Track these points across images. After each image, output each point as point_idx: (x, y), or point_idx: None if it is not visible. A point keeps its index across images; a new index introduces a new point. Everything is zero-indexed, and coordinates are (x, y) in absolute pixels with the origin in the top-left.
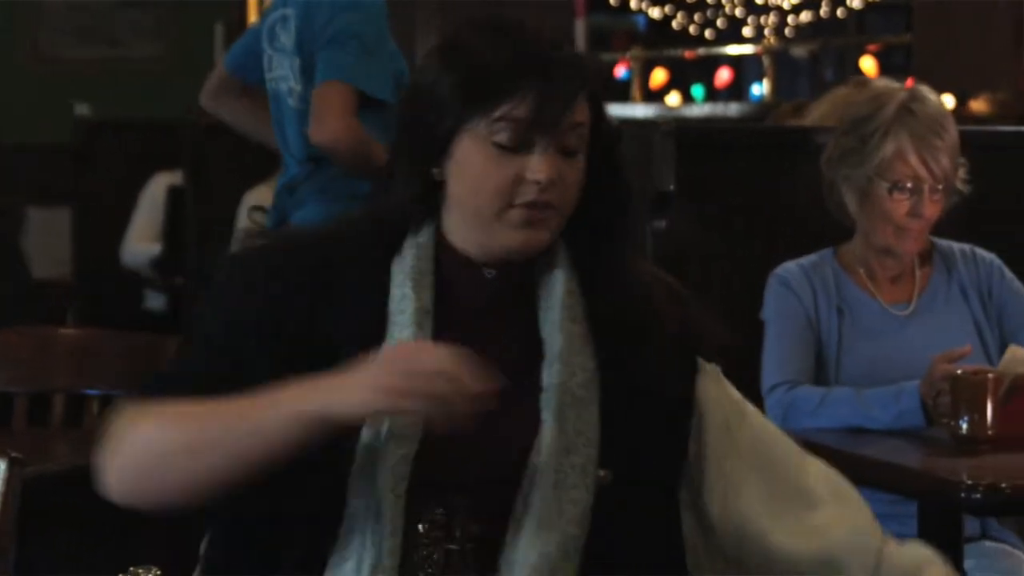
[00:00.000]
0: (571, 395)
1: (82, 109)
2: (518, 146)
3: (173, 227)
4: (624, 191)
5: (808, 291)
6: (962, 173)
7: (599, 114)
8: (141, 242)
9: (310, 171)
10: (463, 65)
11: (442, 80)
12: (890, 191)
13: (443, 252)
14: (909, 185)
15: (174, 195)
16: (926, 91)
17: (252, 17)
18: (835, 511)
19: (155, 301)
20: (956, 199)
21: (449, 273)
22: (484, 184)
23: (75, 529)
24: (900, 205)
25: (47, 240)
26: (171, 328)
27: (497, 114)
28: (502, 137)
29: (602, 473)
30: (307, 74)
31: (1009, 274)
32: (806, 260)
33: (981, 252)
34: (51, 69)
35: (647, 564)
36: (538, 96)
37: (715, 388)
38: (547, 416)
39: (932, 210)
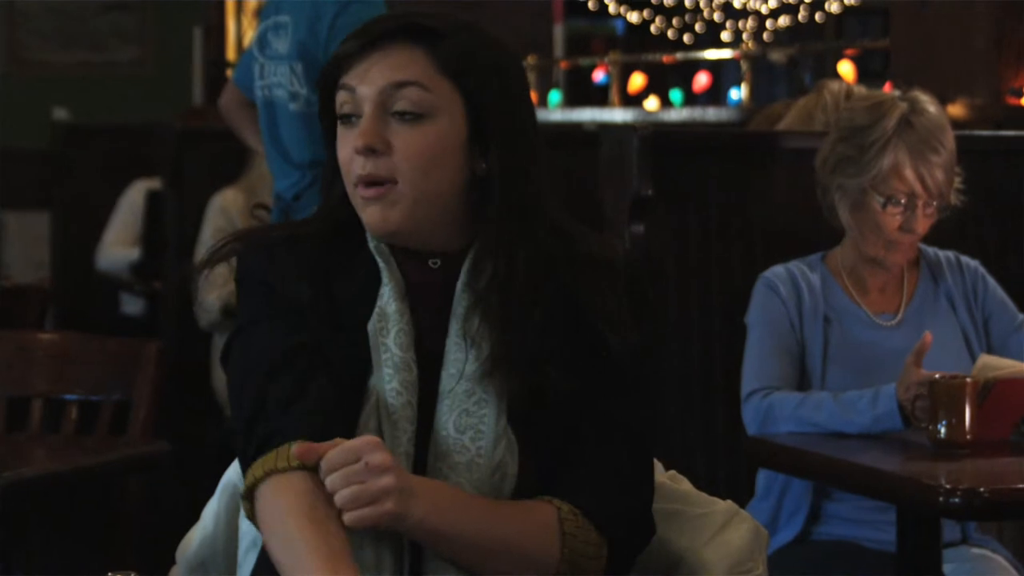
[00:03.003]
0: (454, 398)
1: (60, 114)
2: (351, 115)
3: (152, 232)
4: (512, 166)
5: (794, 297)
6: (957, 183)
7: (462, 78)
8: (118, 247)
9: (316, 176)
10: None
11: None
12: (884, 205)
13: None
14: (903, 200)
15: (153, 200)
16: (926, 101)
17: (230, 21)
18: None
19: (132, 306)
20: (947, 213)
21: (403, 262)
22: (340, 163)
23: (53, 534)
24: (893, 219)
25: (26, 245)
26: (149, 333)
27: (339, 84)
28: (341, 108)
29: None
30: (312, 76)
31: (992, 282)
32: (795, 264)
33: (965, 259)
34: (31, 73)
35: None
36: (354, 58)
37: None
38: (440, 416)
39: (924, 225)
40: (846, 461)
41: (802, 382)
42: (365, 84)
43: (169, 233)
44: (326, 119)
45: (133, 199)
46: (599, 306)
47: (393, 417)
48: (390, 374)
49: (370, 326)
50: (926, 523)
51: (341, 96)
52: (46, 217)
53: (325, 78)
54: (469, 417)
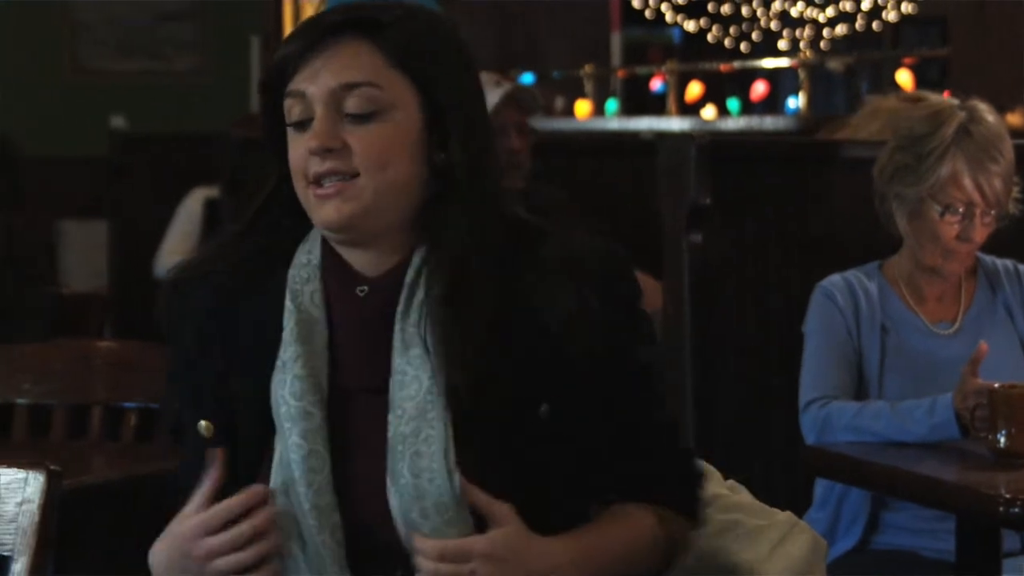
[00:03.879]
0: (405, 441)
1: (118, 122)
2: (303, 121)
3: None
4: (471, 153)
5: (851, 305)
6: (1016, 192)
7: (413, 68)
8: (176, 255)
9: None
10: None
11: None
12: (942, 214)
13: (328, 260)
14: (961, 209)
15: (211, 208)
16: (984, 110)
17: (288, 29)
18: None
19: None
20: (1005, 222)
21: (330, 287)
22: (292, 168)
23: (113, 541)
24: (950, 228)
25: (84, 253)
26: None
27: (286, 91)
28: (292, 114)
29: None
30: None
31: None
32: (852, 273)
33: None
34: (89, 82)
35: None
36: (298, 61)
37: None
38: (395, 462)
39: (982, 234)
40: (904, 470)
41: (859, 390)
42: (314, 86)
43: None
44: (268, 127)
45: (191, 207)
46: (561, 317)
47: (296, 473)
48: (289, 427)
49: (272, 383)
50: (986, 533)
51: (289, 103)
52: (104, 225)
53: (269, 84)
54: (420, 459)
